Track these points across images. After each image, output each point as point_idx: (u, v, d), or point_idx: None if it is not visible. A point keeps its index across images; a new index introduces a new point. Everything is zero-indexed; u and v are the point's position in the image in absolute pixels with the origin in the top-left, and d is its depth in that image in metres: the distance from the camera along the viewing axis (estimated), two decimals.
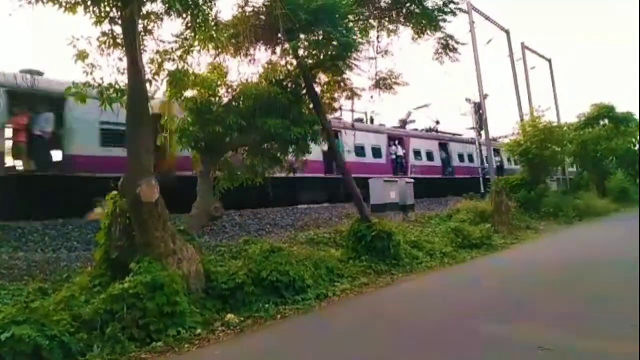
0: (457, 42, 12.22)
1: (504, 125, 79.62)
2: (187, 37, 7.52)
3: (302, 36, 9.46)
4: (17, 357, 4.57)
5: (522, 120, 23.53)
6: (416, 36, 11.67)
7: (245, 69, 9.90)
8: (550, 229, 17.50)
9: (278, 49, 9.97)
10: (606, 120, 31.21)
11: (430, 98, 54.31)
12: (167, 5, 6.76)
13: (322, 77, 10.94)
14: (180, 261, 6.75)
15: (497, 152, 29.19)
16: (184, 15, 7.02)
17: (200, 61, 8.32)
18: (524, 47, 27.43)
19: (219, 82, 9.11)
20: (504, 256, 12.05)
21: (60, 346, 4.90)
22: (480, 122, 24.27)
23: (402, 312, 6.99)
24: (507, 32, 25.41)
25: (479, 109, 24.76)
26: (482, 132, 23.89)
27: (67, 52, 6.61)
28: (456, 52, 12.30)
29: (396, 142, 24.52)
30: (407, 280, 9.19)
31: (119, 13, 6.58)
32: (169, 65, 7.73)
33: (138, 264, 6.19)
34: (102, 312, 5.56)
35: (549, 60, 32.00)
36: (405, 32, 11.80)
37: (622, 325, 5.18)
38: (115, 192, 6.90)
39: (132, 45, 6.54)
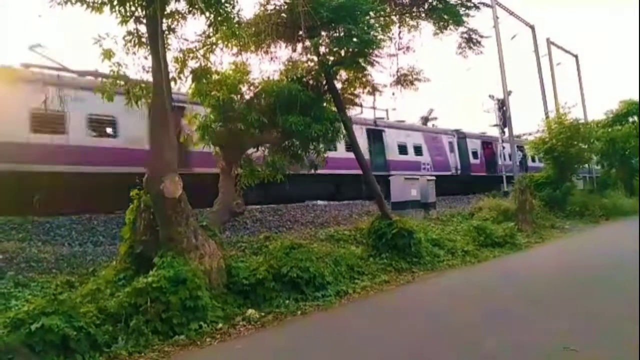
0: (480, 36, 12.05)
1: (527, 122, 77.99)
2: (210, 35, 7.61)
3: (323, 33, 9.45)
4: (46, 346, 4.73)
5: (547, 117, 23.02)
6: (438, 32, 11.54)
7: (267, 66, 9.96)
8: (576, 229, 17.10)
9: (299, 47, 10.00)
10: (635, 117, 30.25)
11: (452, 94, 53.63)
12: (190, 3, 6.86)
13: (343, 74, 10.91)
14: (203, 256, 6.85)
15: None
16: (207, 14, 7.11)
17: (222, 60, 8.45)
18: (549, 43, 26.81)
19: (240, 80, 9.17)
20: (527, 255, 11.85)
21: (87, 337, 5.06)
22: (504, 119, 23.82)
23: (423, 310, 6.95)
24: (532, 27, 24.87)
25: (502, 106, 24.30)
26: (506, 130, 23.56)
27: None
28: (480, 46, 12.12)
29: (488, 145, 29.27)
30: (428, 279, 9.12)
31: (144, 12, 6.70)
32: (192, 64, 7.85)
33: (161, 258, 6.31)
34: (126, 305, 5.71)
35: (576, 57, 31.21)
36: (427, 27, 11.69)
37: None
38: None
39: (156, 44, 6.66)
